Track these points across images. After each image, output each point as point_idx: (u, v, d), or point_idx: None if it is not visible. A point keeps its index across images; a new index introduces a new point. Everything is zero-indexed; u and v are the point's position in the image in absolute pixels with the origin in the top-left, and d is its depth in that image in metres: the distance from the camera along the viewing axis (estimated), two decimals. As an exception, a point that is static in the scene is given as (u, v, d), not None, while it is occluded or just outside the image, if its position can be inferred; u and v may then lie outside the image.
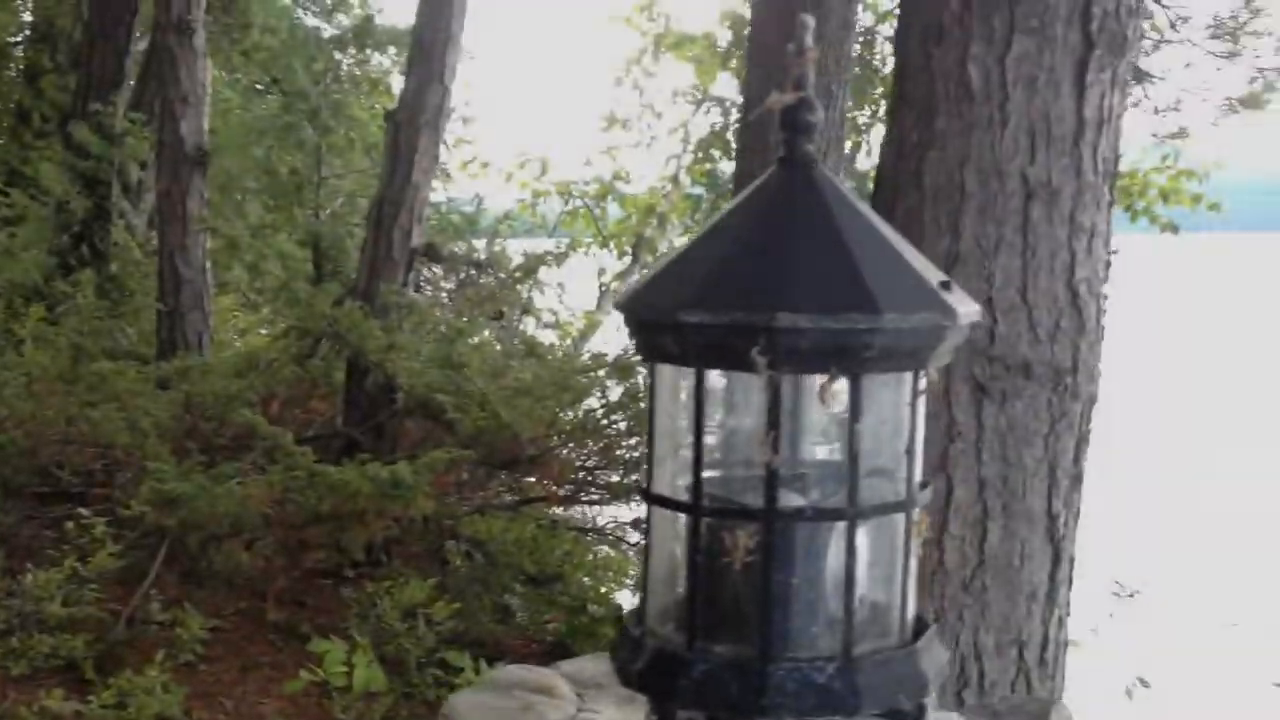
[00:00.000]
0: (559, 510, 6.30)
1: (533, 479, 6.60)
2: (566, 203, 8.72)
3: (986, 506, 2.86)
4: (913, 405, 1.19)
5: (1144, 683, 6.40)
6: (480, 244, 8.46)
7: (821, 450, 1.20)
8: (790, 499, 1.17)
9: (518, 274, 7.80)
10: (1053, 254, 2.78)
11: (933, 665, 1.23)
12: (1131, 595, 6.41)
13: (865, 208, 1.22)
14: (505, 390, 6.10)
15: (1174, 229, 8.35)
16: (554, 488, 6.11)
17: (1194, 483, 15.63)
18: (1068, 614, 3.25)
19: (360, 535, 5.43)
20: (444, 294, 8.12)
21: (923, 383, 1.20)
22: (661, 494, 1.23)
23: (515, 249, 8.45)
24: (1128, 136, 8.28)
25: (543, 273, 7.80)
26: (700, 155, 7.29)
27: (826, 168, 1.23)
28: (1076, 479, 2.99)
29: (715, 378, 1.18)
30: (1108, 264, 2.97)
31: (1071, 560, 3.18)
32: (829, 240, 1.16)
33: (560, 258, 7.93)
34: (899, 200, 2.89)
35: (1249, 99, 6.68)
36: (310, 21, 8.37)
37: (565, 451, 5.80)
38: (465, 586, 5.69)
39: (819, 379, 1.13)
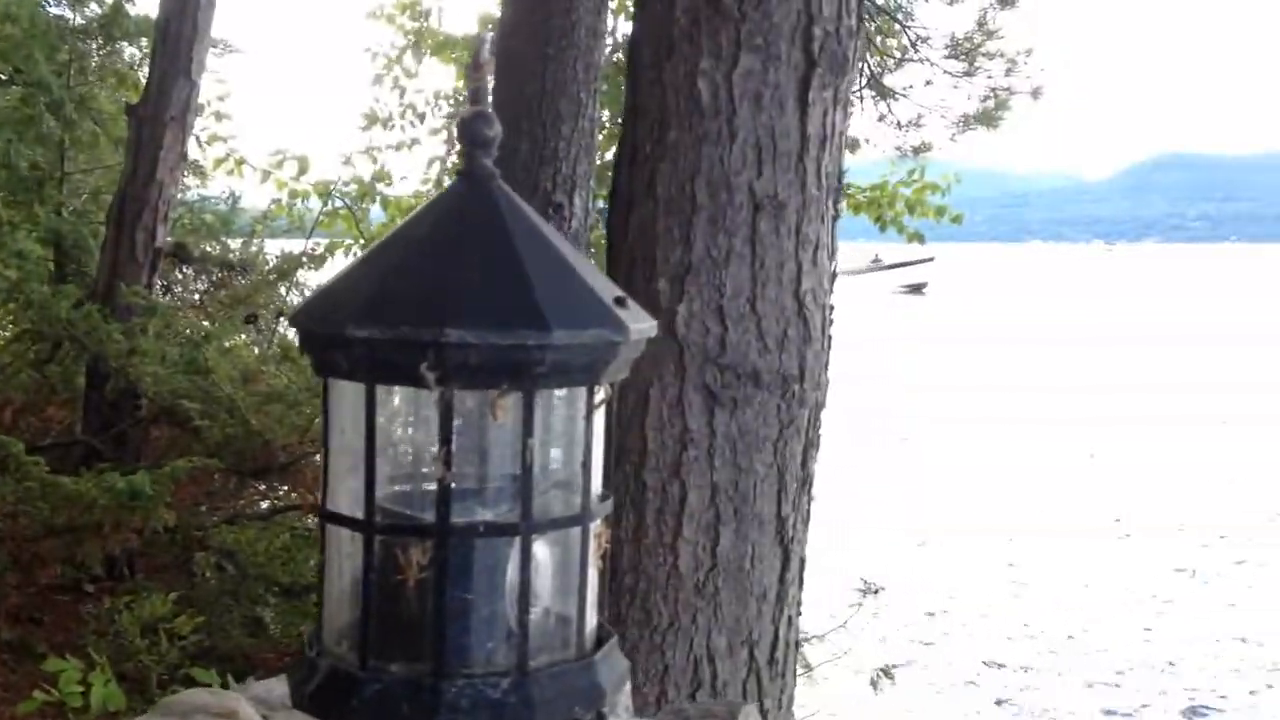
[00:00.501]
0: (314, 519, 6.16)
1: (287, 487, 6.45)
2: (326, 203, 8.52)
3: (719, 511, 2.94)
4: (588, 420, 1.20)
5: (887, 674, 6.70)
6: (235, 245, 8.21)
7: (498, 465, 1.20)
8: (465, 514, 1.17)
9: (273, 276, 7.60)
10: (780, 265, 2.88)
11: (611, 675, 1.25)
12: (876, 592, 6.69)
13: (542, 224, 1.23)
14: (256, 396, 5.94)
15: (920, 239, 8.73)
16: (309, 496, 5.98)
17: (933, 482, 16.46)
18: (798, 613, 3.37)
19: (98, 548, 5.20)
20: (196, 296, 7.85)
21: (599, 397, 1.21)
22: (336, 512, 1.21)
23: (272, 250, 8.24)
24: (878, 150, 8.56)
25: (300, 275, 7.63)
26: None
27: (504, 182, 1.23)
28: (805, 483, 3.10)
29: (389, 393, 1.17)
30: (833, 275, 3.09)
31: (802, 561, 3.31)
32: (502, 256, 1.16)
33: (318, 260, 7.75)
34: (633, 210, 2.94)
35: (983, 116, 7.03)
36: (55, 10, 7.93)
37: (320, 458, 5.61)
38: (214, 599, 5.51)
39: (492, 394, 1.14)
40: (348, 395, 1.19)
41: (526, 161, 4.32)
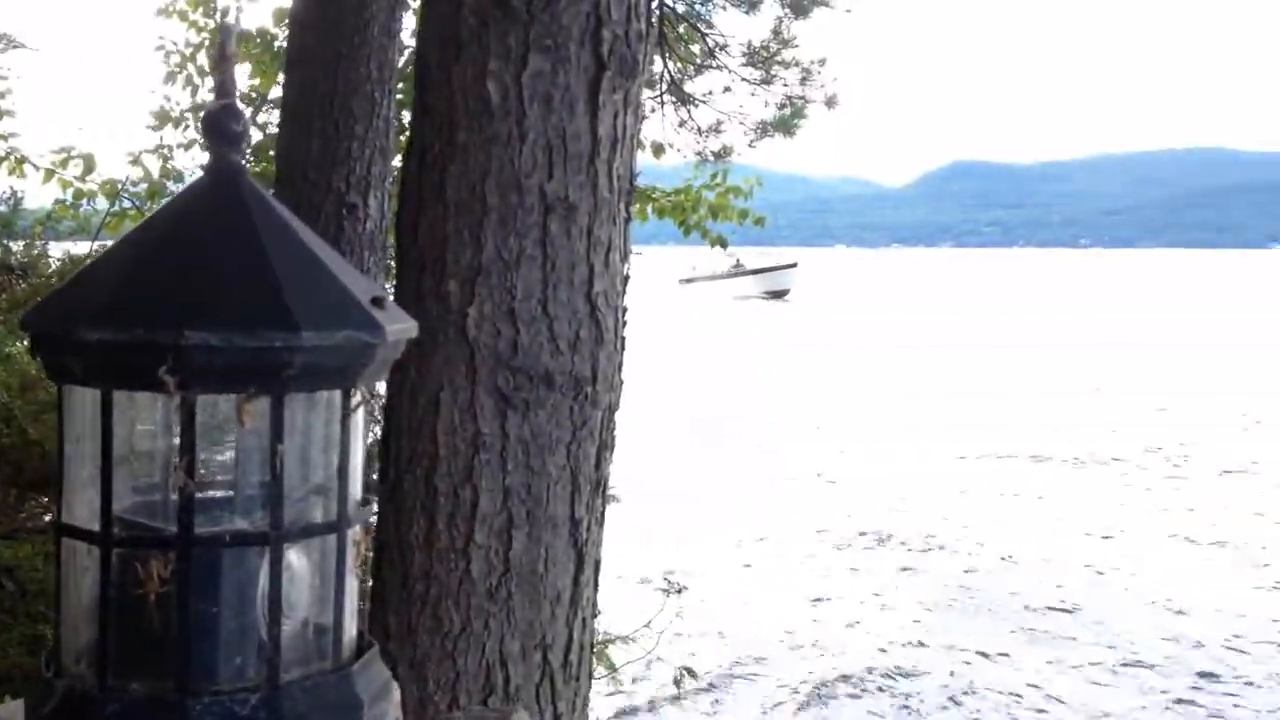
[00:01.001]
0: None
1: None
2: (113, 204, 8.15)
3: (512, 515, 2.91)
4: (344, 424, 1.17)
5: (690, 673, 6.80)
6: (16, 247, 7.81)
7: (247, 473, 1.16)
8: (211, 524, 1.12)
9: (56, 279, 7.26)
10: (572, 267, 2.87)
11: (370, 686, 1.21)
12: (680, 591, 6.77)
13: (295, 221, 1.19)
14: (34, 405, 5.66)
15: (723, 244, 8.86)
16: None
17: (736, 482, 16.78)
18: (594, 615, 3.37)
19: None
20: (-28, 300, 7.44)
21: (355, 400, 1.18)
22: (72, 524, 1.14)
23: (56, 253, 7.86)
24: (680, 155, 8.64)
25: (85, 278, 7.30)
26: (255, 158, 7.01)
27: (252, 179, 1.18)
28: (599, 485, 3.10)
29: (128, 399, 1.11)
30: (625, 278, 3.10)
31: (597, 564, 3.30)
32: (249, 255, 1.11)
33: (104, 262, 7.42)
34: (423, 211, 2.89)
35: (781, 123, 7.18)
36: None
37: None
38: (-10, 618, 5.22)
39: (239, 399, 1.09)
40: (83, 402, 1.12)
41: (319, 161, 4.21)
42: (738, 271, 76.59)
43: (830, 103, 7.22)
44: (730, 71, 6.95)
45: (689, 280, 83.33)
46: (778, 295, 73.59)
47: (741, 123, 7.14)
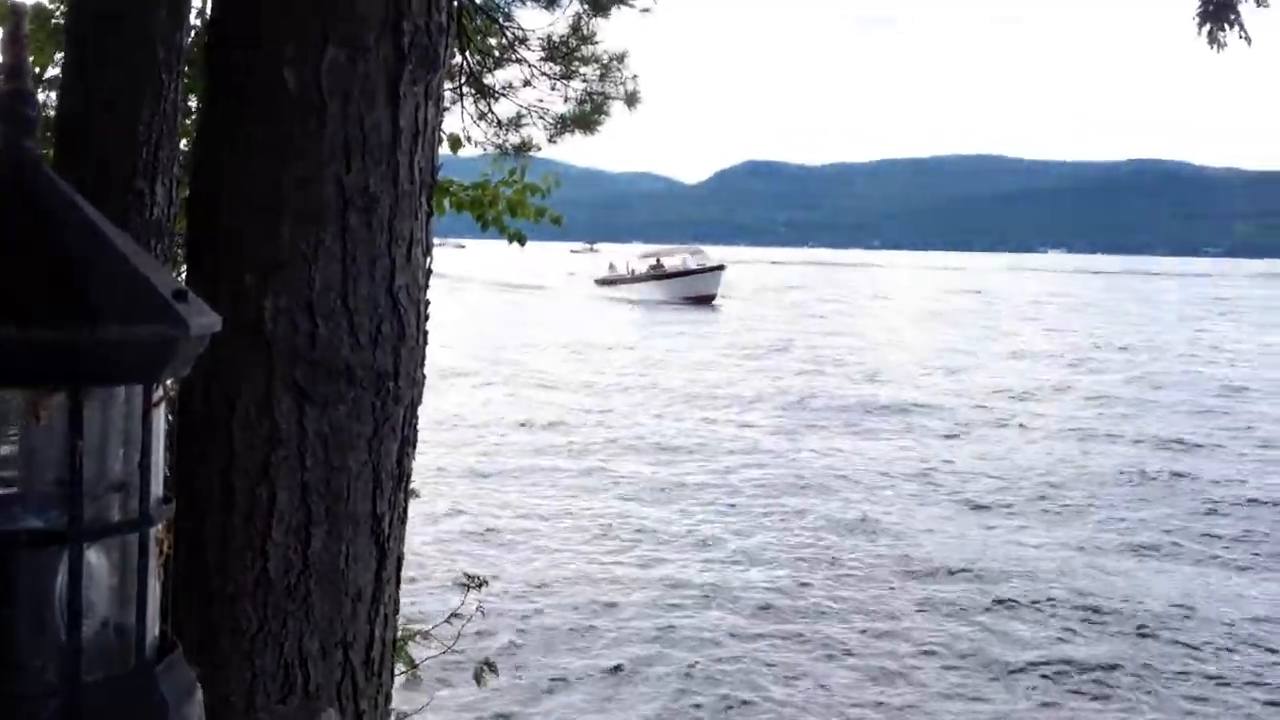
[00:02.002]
0: None
1: None
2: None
3: (310, 512, 2.86)
4: (146, 419, 1.14)
5: (491, 667, 6.77)
6: None
7: (44, 470, 1.12)
8: (7, 522, 1.08)
9: None
10: (373, 261, 2.83)
11: (175, 688, 1.19)
12: (480, 585, 6.73)
13: (94, 212, 1.16)
14: None
15: (521, 240, 8.85)
16: None
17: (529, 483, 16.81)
18: (395, 612, 3.34)
19: None
20: None
21: (157, 395, 1.15)
22: None
23: None
24: (478, 149, 8.58)
25: None
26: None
27: (48, 166, 1.14)
28: (401, 480, 3.07)
29: (-85, 394, 1.06)
30: (427, 272, 3.08)
31: (399, 560, 3.27)
32: (48, 247, 1.08)
33: None
34: (217, 201, 2.82)
35: (580, 119, 7.22)
36: None
37: None
38: None
39: (35, 393, 1.06)
40: None
41: (101, 145, 4.03)
42: (658, 273, 69.59)
43: (630, 99, 7.30)
44: (530, 66, 6.96)
45: (607, 281, 75.99)
46: (701, 301, 64.37)
47: (541, 117, 7.16)
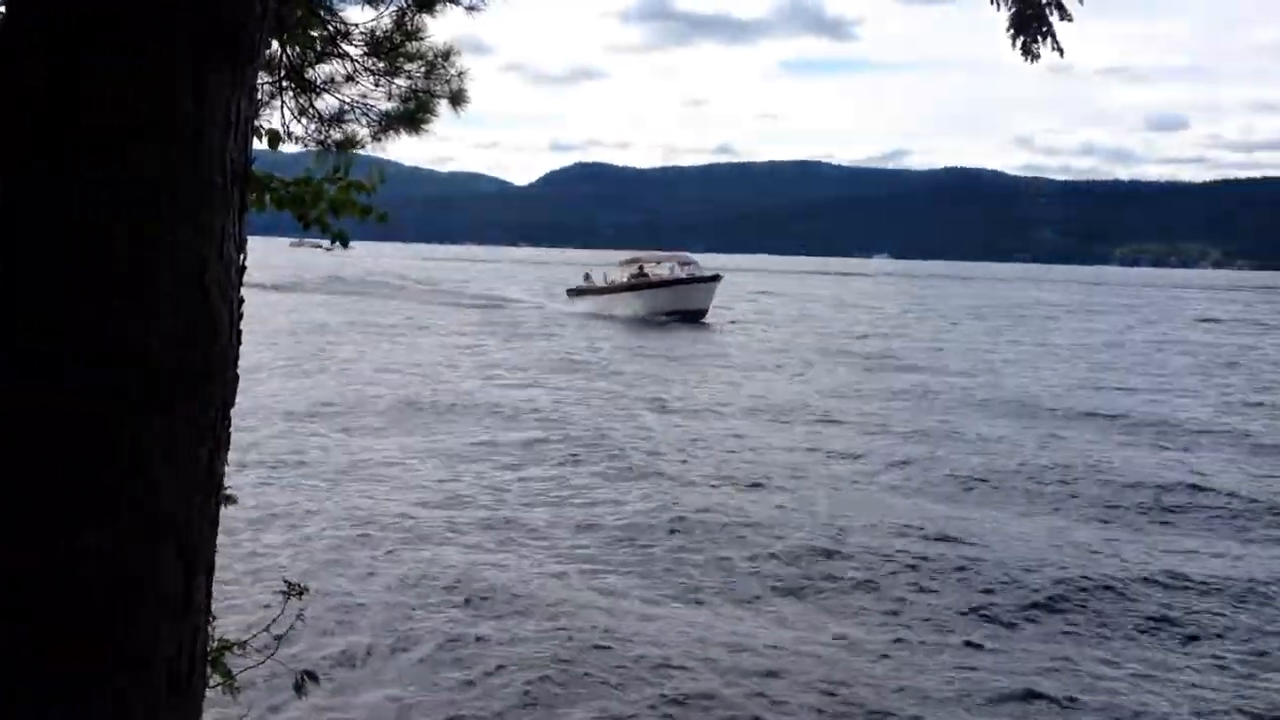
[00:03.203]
0: None
1: None
2: None
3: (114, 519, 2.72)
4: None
5: (312, 676, 6.57)
6: None
7: None
8: None
9: None
10: (181, 257, 2.70)
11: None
12: (301, 593, 6.53)
13: None
14: None
15: (345, 239, 8.63)
16: None
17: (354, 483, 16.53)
18: (205, 623, 3.19)
19: None
20: None
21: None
22: None
23: None
24: (299, 145, 8.36)
25: None
26: None
27: None
28: (211, 486, 2.94)
29: None
30: (240, 269, 2.96)
31: (209, 568, 3.14)
32: None
33: None
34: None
35: (405, 116, 7.08)
36: None
37: None
38: None
39: None
40: None
41: None
42: (640, 282, 58.18)
43: (456, 98, 7.18)
44: (353, 61, 6.79)
45: (579, 292, 64.29)
46: (690, 317, 54.43)
47: (365, 113, 7.00)
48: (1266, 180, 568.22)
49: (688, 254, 65.38)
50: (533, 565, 12.73)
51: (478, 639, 10.21)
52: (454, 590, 11.62)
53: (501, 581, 12.00)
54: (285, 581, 6.41)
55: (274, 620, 6.10)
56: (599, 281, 62.51)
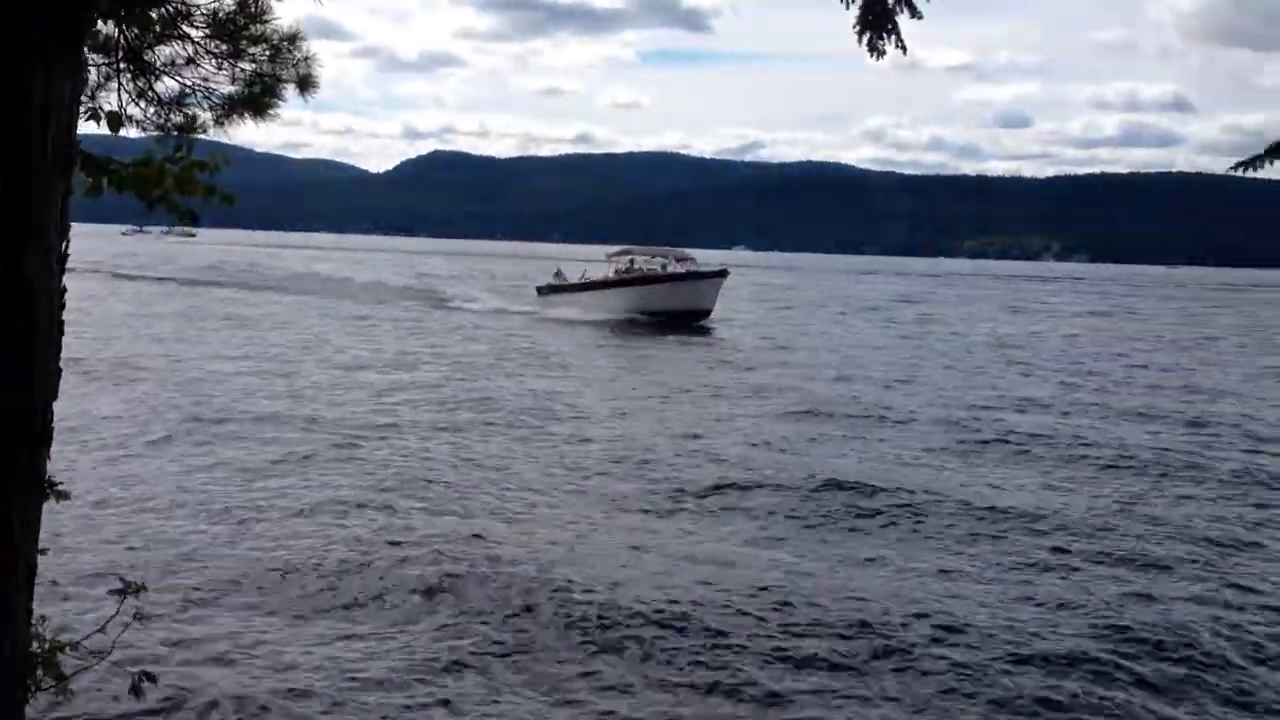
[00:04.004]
0: None
1: None
2: None
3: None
4: None
5: (150, 677, 6.37)
6: None
7: None
8: None
9: None
10: (-2, 244, 2.59)
11: None
12: (137, 590, 6.33)
13: None
14: None
15: (193, 217, 8.40)
16: None
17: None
18: (28, 623, 3.08)
19: None
20: None
21: None
22: None
23: None
24: (139, 129, 8.07)
25: None
26: None
27: None
28: (32, 482, 2.83)
29: None
30: (63, 256, 2.85)
31: (31, 569, 3.02)
32: None
33: None
34: None
35: (250, 101, 6.90)
36: None
37: None
38: None
39: None
40: None
41: None
42: (630, 277, 52.06)
43: (304, 83, 7.03)
44: (195, 43, 6.59)
45: (552, 289, 56.35)
46: (688, 318, 48.54)
47: (207, 97, 6.80)
48: (1105, 176, 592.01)
49: (683, 249, 57.87)
50: (389, 550, 12.58)
51: (324, 634, 10.05)
52: (301, 585, 11.41)
53: (351, 572, 11.83)
54: (121, 580, 6.21)
55: (110, 619, 5.91)
56: (572, 278, 55.79)
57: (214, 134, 7.60)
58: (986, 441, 21.39)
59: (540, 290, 57.13)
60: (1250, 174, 7.97)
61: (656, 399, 26.54)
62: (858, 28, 8.56)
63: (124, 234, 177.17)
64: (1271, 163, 7.80)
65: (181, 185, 7.97)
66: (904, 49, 8.56)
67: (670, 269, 52.30)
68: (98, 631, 6.10)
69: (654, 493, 16.22)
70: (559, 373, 30.93)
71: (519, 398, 25.15)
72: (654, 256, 54.68)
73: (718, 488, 16.67)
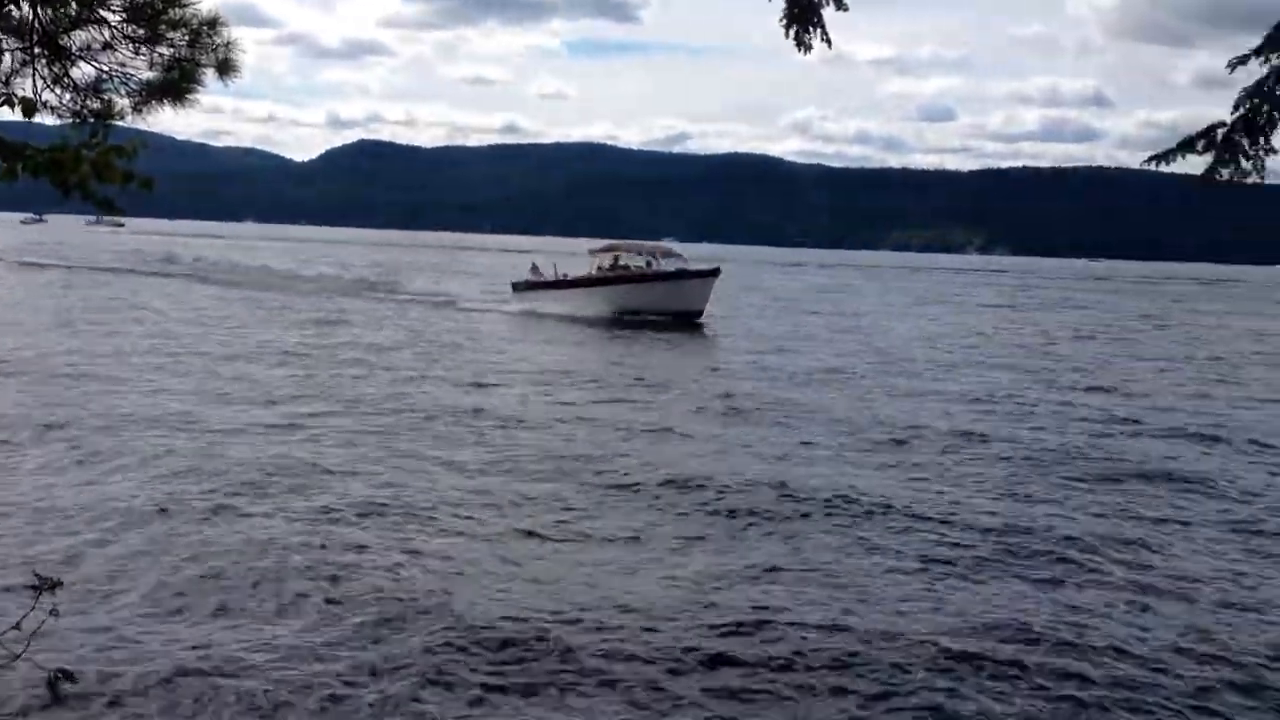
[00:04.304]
0: None
1: None
2: None
3: None
4: None
5: (69, 675, 6.29)
6: None
7: None
8: None
9: None
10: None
11: None
12: (54, 586, 6.23)
13: None
14: None
15: (111, 206, 8.28)
16: None
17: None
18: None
19: None
20: None
21: None
22: None
23: None
24: (58, 114, 7.90)
25: None
26: None
27: None
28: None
29: None
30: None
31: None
32: None
33: None
34: None
35: (169, 87, 6.81)
36: None
37: None
38: None
39: None
40: None
41: None
42: (618, 275, 49.63)
43: (223, 68, 6.95)
44: (112, 27, 6.49)
45: (529, 285, 53.18)
46: (680, 319, 46.30)
47: (124, 83, 6.70)
48: (1026, 170, 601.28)
49: (669, 245, 56.57)
50: (308, 545, 12.46)
51: (245, 624, 9.93)
52: (219, 576, 11.25)
53: (270, 565, 11.69)
54: (36, 575, 6.10)
55: (24, 617, 5.80)
56: (549, 274, 53.04)
57: (132, 121, 7.49)
58: (892, 440, 21.01)
59: (516, 287, 53.91)
60: (1162, 168, 8.14)
61: (567, 388, 26.58)
62: (784, 21, 8.63)
63: (23, 222, 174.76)
64: (1183, 156, 7.97)
65: (99, 172, 7.82)
66: (829, 42, 8.64)
67: (656, 266, 49.75)
68: (12, 629, 5.99)
69: (533, 499, 15.51)
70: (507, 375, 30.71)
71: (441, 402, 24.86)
72: (640, 253, 51.95)
73: (610, 487, 16.20)
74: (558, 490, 15.97)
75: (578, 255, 55.36)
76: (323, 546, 12.48)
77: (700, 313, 47.05)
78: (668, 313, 46.08)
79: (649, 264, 50.31)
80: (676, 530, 14.10)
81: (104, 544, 12.13)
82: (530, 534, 13.57)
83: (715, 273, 48.02)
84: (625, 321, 45.42)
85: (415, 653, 9.33)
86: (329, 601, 10.70)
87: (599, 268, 51.00)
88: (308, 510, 14.17)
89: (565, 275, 51.96)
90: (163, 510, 13.73)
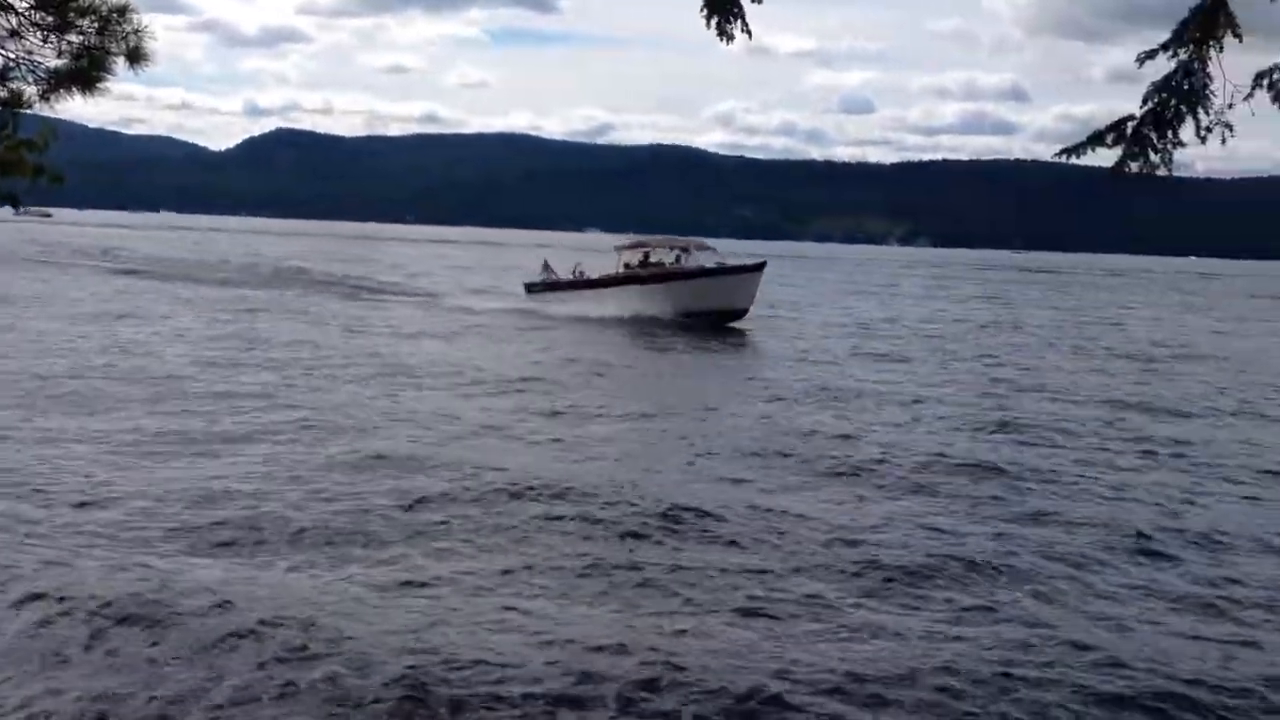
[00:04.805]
0: None
1: None
2: None
3: None
4: None
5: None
6: None
7: None
8: None
9: None
10: None
11: None
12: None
13: None
14: None
15: (15, 201, 8.12)
16: None
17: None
18: None
19: None
20: None
21: None
22: None
23: None
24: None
25: None
26: None
27: None
28: None
29: None
30: None
31: None
32: None
33: None
34: None
35: (78, 75, 6.69)
36: None
37: None
38: None
39: None
40: None
41: None
42: (652, 273, 44.79)
43: (134, 56, 6.83)
44: (19, 15, 6.36)
45: (547, 286, 48.46)
46: (721, 319, 42.14)
47: (32, 71, 6.57)
48: (945, 163, 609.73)
49: (702, 239, 49.97)
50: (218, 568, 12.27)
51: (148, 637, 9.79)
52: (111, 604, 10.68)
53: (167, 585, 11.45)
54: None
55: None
56: (563, 273, 48.38)
57: (40, 109, 7.33)
58: (791, 454, 19.20)
59: (531, 288, 49.12)
60: (1074, 160, 8.29)
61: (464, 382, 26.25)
62: (705, 11, 8.66)
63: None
64: (1093, 149, 8.12)
65: (6, 167, 7.65)
66: (749, 33, 8.69)
67: (687, 261, 45.15)
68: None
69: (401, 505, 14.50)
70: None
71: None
72: (671, 248, 46.86)
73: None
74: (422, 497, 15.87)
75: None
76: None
77: (746, 311, 42.75)
78: (711, 312, 41.84)
79: (678, 259, 45.76)
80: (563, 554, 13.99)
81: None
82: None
83: (761, 266, 43.65)
84: (641, 324, 41.41)
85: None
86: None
87: (627, 265, 46.27)
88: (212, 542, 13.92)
89: (583, 274, 47.35)
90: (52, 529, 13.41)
